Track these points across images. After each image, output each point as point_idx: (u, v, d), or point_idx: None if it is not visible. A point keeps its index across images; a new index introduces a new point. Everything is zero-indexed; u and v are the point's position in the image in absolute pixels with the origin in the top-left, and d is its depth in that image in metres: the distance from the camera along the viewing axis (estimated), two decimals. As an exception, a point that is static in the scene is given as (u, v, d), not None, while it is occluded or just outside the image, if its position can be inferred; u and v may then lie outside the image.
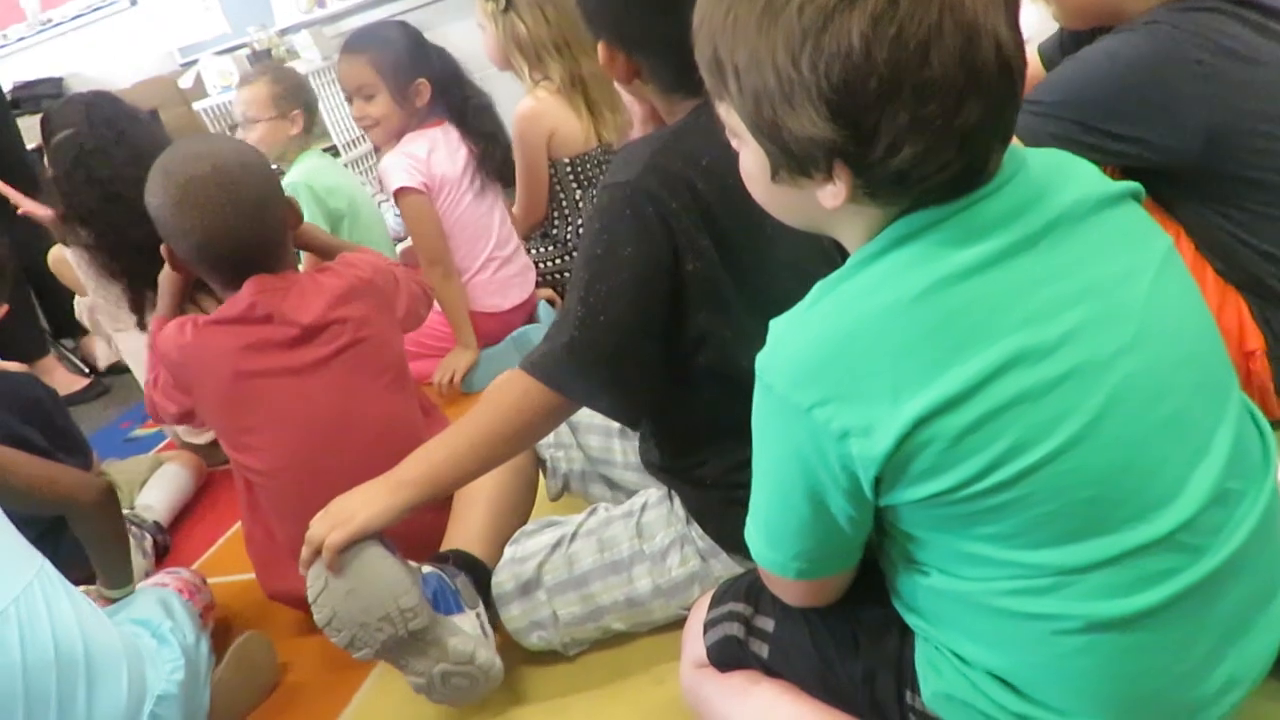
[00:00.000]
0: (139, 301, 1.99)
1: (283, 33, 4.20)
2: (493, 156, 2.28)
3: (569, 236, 2.59)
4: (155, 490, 1.99)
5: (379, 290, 1.47)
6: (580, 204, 2.54)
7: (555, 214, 2.60)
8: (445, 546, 1.25)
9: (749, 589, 0.94)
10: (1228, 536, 0.72)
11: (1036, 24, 1.55)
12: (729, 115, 0.73)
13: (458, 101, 2.25)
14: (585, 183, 2.46)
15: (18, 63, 4.38)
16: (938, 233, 0.69)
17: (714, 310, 1.02)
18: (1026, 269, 0.69)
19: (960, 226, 0.69)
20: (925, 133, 0.64)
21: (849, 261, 0.73)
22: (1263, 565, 0.75)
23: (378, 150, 3.14)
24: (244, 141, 1.46)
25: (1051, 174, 0.73)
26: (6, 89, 3.56)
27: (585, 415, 1.33)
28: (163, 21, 4.39)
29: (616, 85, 1.10)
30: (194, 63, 4.24)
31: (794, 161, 0.69)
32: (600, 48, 1.05)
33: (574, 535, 1.21)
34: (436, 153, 2.22)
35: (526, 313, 2.37)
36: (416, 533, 1.34)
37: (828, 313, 0.71)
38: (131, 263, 1.94)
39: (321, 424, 1.38)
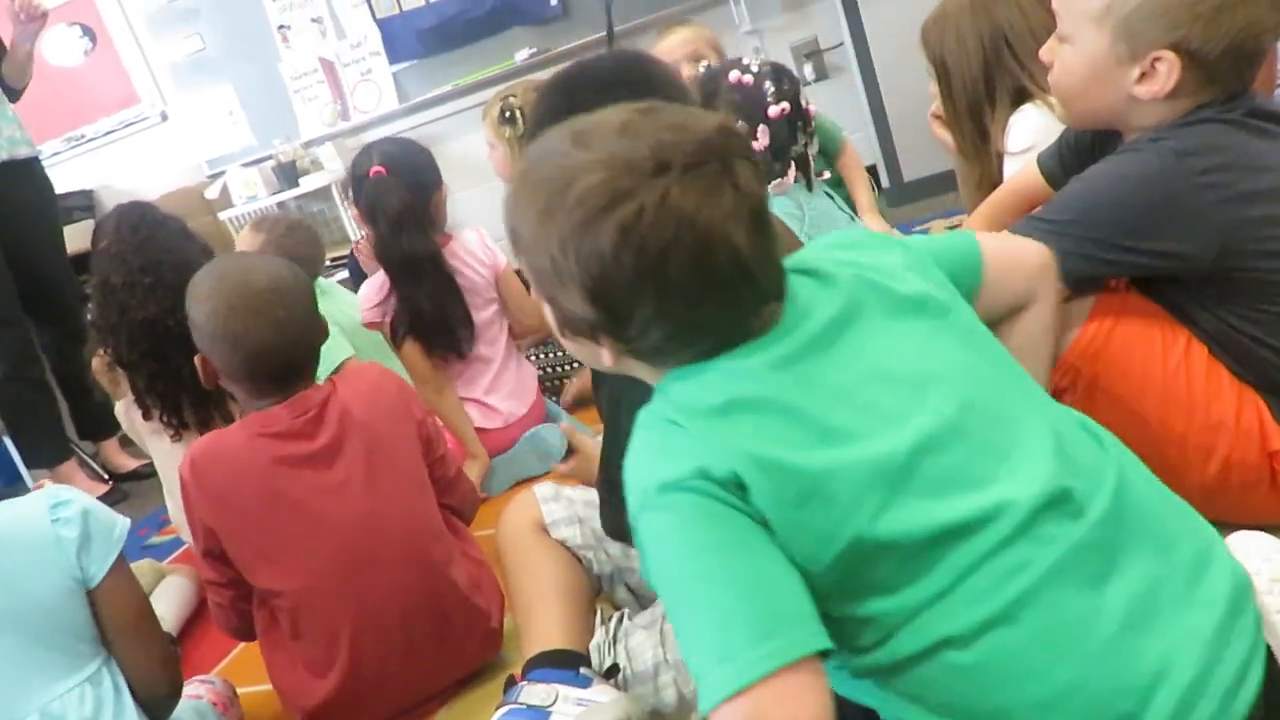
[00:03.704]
0: (147, 413, 1.99)
1: (307, 145, 4.33)
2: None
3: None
4: (163, 602, 1.98)
5: (392, 394, 1.48)
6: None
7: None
8: (525, 649, 1.23)
9: None
10: (1077, 525, 0.77)
11: (1044, 129, 1.58)
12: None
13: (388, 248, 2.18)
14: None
15: (51, 176, 4.51)
16: (719, 360, 0.81)
17: None
18: (804, 371, 0.80)
19: (739, 352, 0.81)
20: (668, 321, 0.78)
21: (659, 385, 0.85)
22: (1153, 551, 0.79)
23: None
24: (284, 260, 1.49)
25: (814, 296, 0.84)
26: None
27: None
28: (192, 135, 4.53)
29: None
30: (221, 174, 4.37)
31: (569, 326, 0.85)
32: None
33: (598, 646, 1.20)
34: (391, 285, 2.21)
35: (536, 417, 2.35)
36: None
37: (645, 441, 0.82)
38: (138, 374, 1.96)
39: (351, 535, 1.37)
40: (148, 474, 3.06)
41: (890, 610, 0.77)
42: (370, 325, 2.24)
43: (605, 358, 0.85)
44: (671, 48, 2.65)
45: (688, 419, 0.79)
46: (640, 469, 0.80)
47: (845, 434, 0.78)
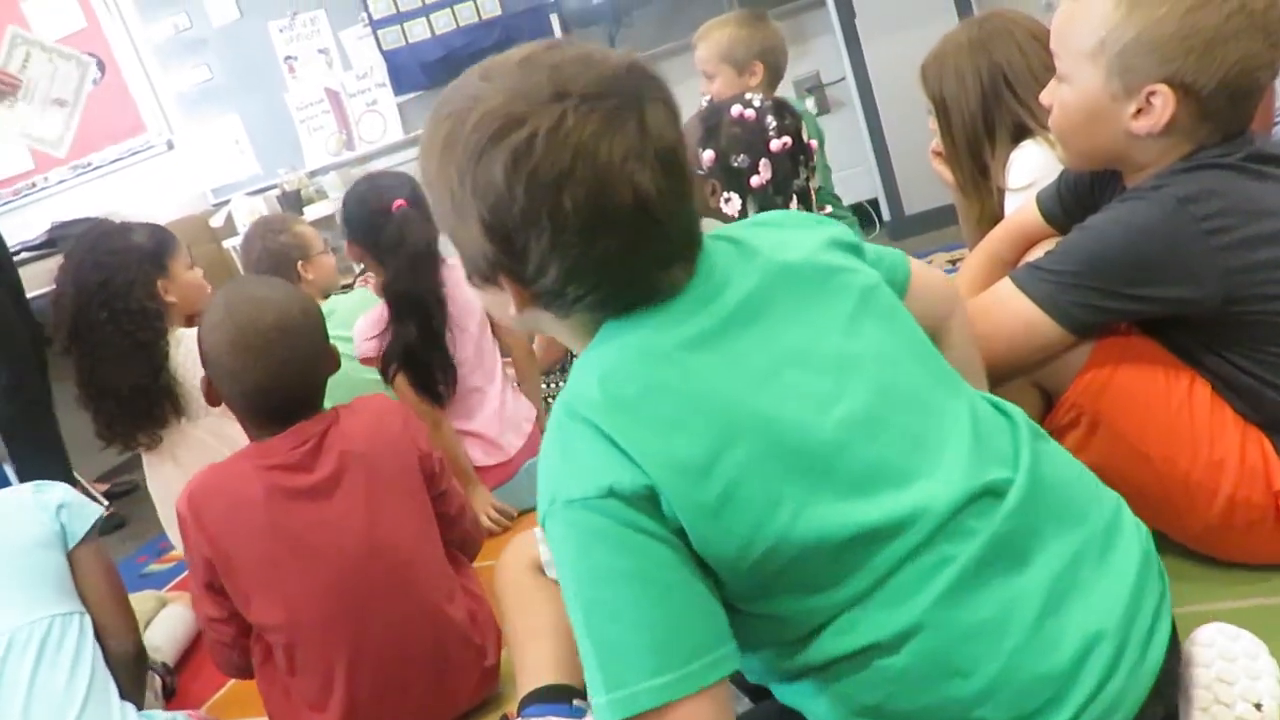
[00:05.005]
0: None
1: (312, 174, 4.35)
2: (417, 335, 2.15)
3: (587, 371, 2.60)
4: (161, 631, 1.97)
5: (396, 426, 1.47)
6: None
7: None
8: (520, 687, 1.21)
9: None
10: (995, 517, 0.78)
11: (1045, 166, 1.58)
12: None
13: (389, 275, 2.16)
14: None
15: (58, 203, 4.55)
16: (635, 332, 0.78)
17: None
18: (722, 351, 0.78)
19: (654, 324, 0.78)
20: (566, 257, 0.75)
21: (574, 365, 0.82)
22: (1068, 527, 0.80)
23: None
24: (300, 289, 1.47)
25: (733, 266, 0.82)
26: (45, 229, 3.69)
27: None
28: (198, 164, 4.56)
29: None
30: (226, 203, 4.39)
31: (473, 268, 0.82)
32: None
33: None
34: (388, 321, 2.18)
35: (534, 448, 2.32)
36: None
37: (559, 438, 0.79)
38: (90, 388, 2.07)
39: (348, 570, 1.35)
40: (129, 489, 3.26)
41: (811, 610, 0.77)
42: (368, 360, 2.20)
43: (511, 305, 0.81)
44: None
45: (602, 414, 0.75)
46: (551, 471, 0.77)
47: (764, 421, 0.76)
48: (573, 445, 0.76)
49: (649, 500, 0.73)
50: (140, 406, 2.06)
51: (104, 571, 1.53)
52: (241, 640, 1.42)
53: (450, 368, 2.19)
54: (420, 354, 2.15)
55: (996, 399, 0.90)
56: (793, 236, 0.87)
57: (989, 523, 0.77)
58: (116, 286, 2.04)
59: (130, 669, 1.49)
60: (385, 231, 2.14)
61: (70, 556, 1.49)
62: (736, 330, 0.79)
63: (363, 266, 3.31)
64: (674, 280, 0.79)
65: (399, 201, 2.14)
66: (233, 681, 1.84)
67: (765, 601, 0.77)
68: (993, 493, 0.79)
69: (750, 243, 0.85)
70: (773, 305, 0.81)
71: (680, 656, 0.73)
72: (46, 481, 1.56)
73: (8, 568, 1.43)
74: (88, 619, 1.45)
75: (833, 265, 0.86)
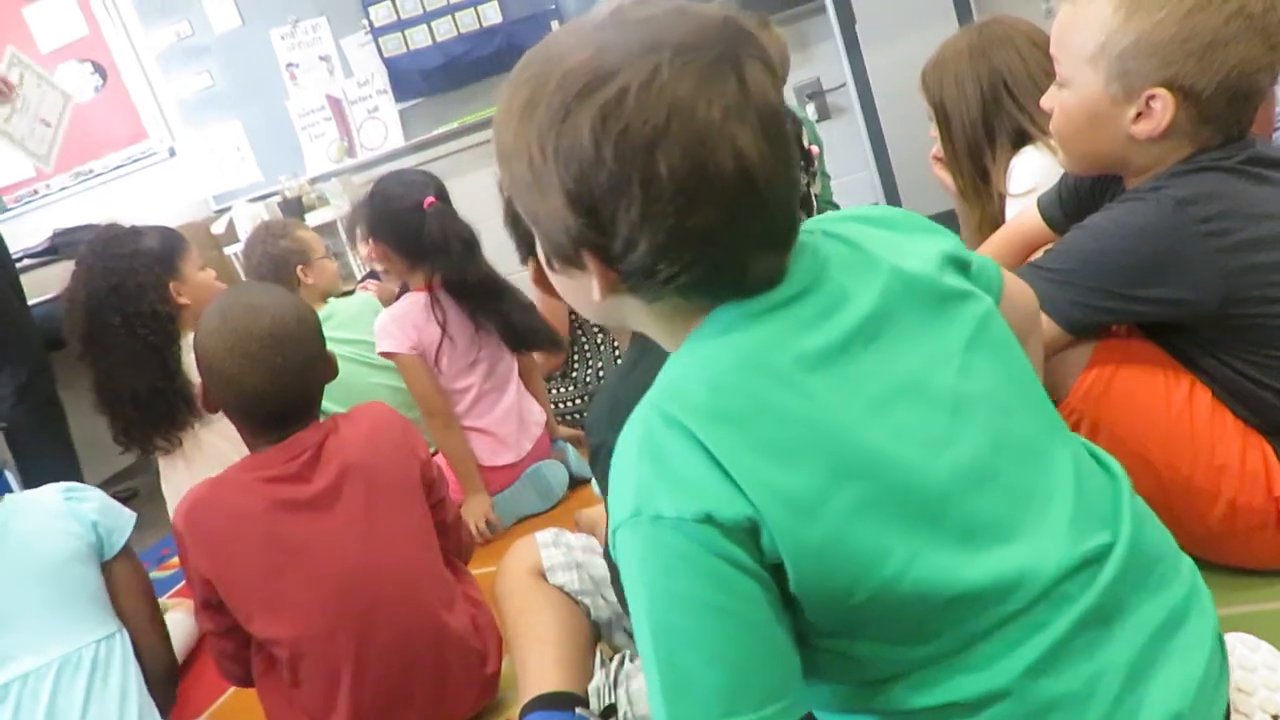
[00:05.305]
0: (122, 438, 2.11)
1: (313, 181, 4.36)
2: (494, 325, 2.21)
3: (589, 378, 2.61)
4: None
5: (395, 435, 1.46)
6: (601, 347, 2.57)
7: (575, 356, 2.64)
8: (522, 694, 1.21)
9: None
10: (1094, 586, 0.73)
11: (1046, 171, 1.59)
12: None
13: (434, 270, 2.17)
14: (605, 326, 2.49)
15: (60, 210, 4.56)
16: (747, 335, 0.71)
17: None
18: (840, 375, 0.71)
19: (769, 330, 0.71)
20: (658, 229, 0.67)
21: (670, 359, 0.75)
22: (1152, 594, 0.76)
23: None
24: (299, 297, 1.47)
25: (853, 273, 0.75)
26: (48, 236, 3.70)
27: (602, 569, 1.31)
28: (199, 170, 4.58)
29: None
30: (227, 209, 4.40)
31: (553, 248, 0.73)
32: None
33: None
34: (414, 316, 2.18)
35: (537, 456, 2.32)
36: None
37: (648, 440, 0.71)
38: (106, 395, 2.09)
39: (351, 581, 1.35)
40: (121, 499, 3.15)
41: (892, 659, 0.73)
42: (390, 354, 2.19)
43: (595, 289, 0.73)
44: None
45: (705, 425, 0.68)
46: (635, 478, 0.70)
47: (877, 460, 0.70)
48: (667, 454, 0.69)
49: (748, 532, 0.68)
50: (159, 409, 2.06)
51: (141, 587, 1.48)
52: (241, 653, 1.41)
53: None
54: (519, 325, 2.22)
55: (1095, 448, 0.85)
56: (908, 242, 0.80)
57: (1088, 592, 0.74)
58: (128, 290, 2.06)
59: (164, 686, 1.46)
60: (423, 230, 2.11)
61: (105, 568, 1.44)
62: (856, 351, 0.72)
63: (366, 272, 3.32)
64: (769, 268, 0.72)
65: (429, 199, 2.13)
66: (233, 690, 1.83)
67: (844, 641, 0.73)
68: (1095, 560, 0.75)
69: (866, 246, 0.78)
70: (891, 325, 0.74)
71: (753, 700, 0.68)
72: (78, 485, 1.49)
73: (46, 587, 1.37)
74: (126, 637, 1.41)
75: (951, 289, 0.78)
